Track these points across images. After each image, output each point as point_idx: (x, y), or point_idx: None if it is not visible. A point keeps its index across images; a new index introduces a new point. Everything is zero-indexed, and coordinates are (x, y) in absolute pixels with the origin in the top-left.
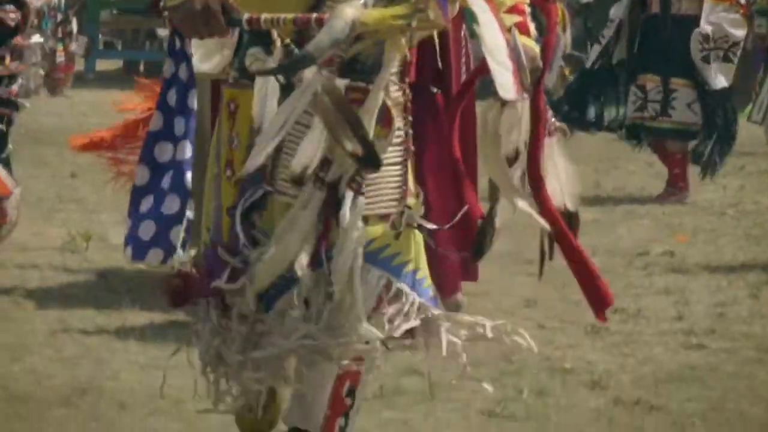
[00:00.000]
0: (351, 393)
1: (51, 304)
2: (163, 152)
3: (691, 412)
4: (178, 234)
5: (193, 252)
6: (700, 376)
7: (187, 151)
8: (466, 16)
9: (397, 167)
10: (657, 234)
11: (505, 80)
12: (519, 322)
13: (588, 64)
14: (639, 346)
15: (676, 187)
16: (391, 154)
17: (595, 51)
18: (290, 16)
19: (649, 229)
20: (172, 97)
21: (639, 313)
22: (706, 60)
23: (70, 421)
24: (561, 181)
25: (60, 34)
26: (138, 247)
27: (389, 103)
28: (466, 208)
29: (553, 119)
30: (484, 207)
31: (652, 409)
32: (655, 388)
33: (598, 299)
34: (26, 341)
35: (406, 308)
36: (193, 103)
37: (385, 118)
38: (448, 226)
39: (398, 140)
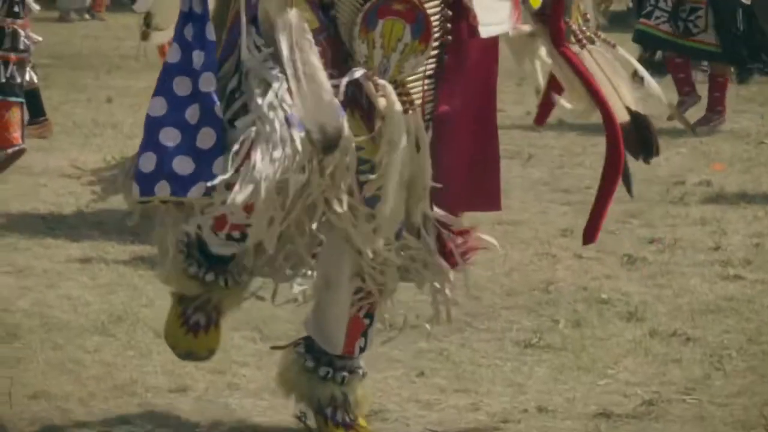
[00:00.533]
0: (369, 315)
1: (86, 231)
2: (181, 86)
3: (727, 343)
4: (221, 165)
5: None
6: (736, 307)
7: (213, 82)
8: None
9: (431, 80)
10: (694, 163)
11: (491, 19)
12: (555, 252)
13: None
14: (675, 277)
15: (714, 111)
16: (427, 67)
17: None
18: None
19: (685, 158)
20: (189, 32)
21: (675, 243)
22: None
23: (105, 349)
24: (620, 92)
25: None
26: (178, 182)
27: (430, 16)
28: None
29: (585, 30)
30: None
31: (688, 341)
32: (692, 320)
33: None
34: (62, 268)
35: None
36: (212, 35)
37: (424, 32)
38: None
39: (434, 53)
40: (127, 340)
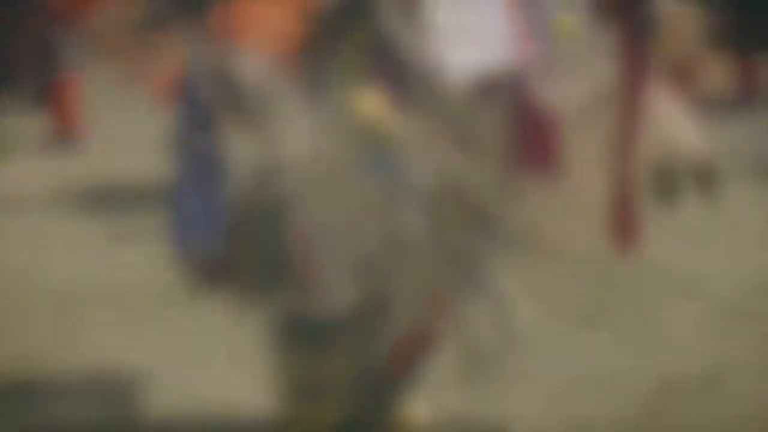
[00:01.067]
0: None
1: (153, 202)
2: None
3: None
4: (222, 224)
5: None
6: None
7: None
8: None
9: None
10: (759, 139)
11: (466, 53)
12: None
13: None
14: (737, 251)
15: None
16: None
17: None
18: None
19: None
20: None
21: (738, 217)
22: None
23: (169, 317)
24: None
25: None
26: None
27: None
28: None
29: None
30: None
31: (749, 315)
32: (753, 294)
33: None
34: (126, 238)
35: None
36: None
37: None
38: None
39: None
40: (190, 309)
